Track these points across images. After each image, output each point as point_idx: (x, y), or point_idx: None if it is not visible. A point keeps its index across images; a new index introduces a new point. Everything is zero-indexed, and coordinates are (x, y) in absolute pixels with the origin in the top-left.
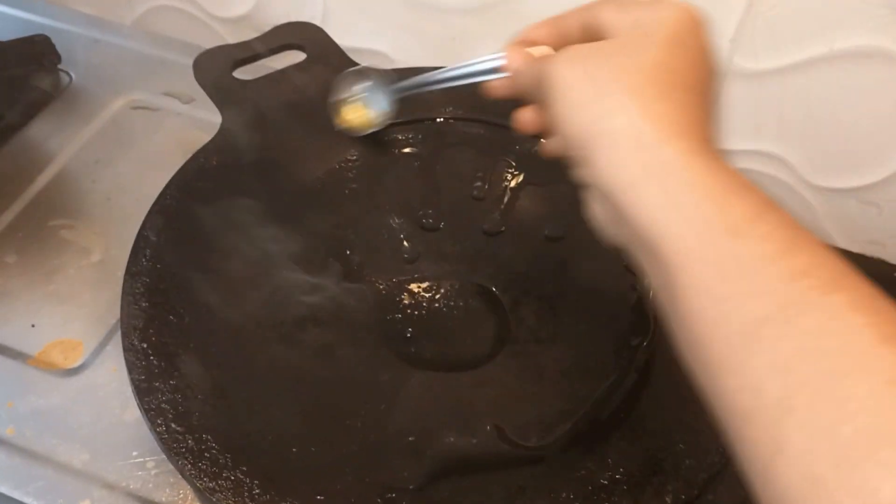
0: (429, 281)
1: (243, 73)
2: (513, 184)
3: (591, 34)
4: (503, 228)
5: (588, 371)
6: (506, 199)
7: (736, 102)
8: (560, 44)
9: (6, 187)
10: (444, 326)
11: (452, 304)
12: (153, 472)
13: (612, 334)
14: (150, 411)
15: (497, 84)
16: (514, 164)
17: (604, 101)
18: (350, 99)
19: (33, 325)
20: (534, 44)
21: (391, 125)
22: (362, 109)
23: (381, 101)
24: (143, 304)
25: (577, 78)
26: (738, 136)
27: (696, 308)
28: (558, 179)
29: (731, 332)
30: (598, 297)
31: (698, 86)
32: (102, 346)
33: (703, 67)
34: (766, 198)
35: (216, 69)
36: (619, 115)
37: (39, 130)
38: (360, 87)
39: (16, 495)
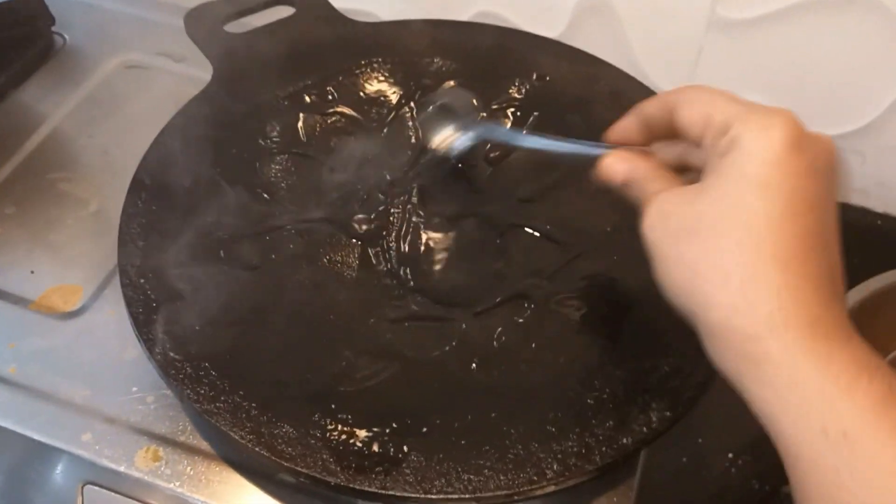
0: (417, 220)
1: (234, 28)
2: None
3: (672, 130)
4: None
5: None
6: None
7: (718, 53)
8: (650, 139)
9: (4, 142)
10: (436, 263)
11: (442, 242)
12: (153, 407)
13: (601, 268)
14: (149, 341)
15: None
16: (506, 113)
17: (708, 293)
18: (437, 134)
19: (33, 272)
20: (629, 142)
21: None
22: (449, 139)
23: (468, 137)
24: (140, 244)
25: (675, 258)
26: (722, 87)
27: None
28: (548, 126)
29: None
30: (587, 235)
31: (818, 246)
32: (101, 290)
33: (820, 212)
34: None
35: (207, 23)
36: (715, 309)
37: (35, 90)
38: (448, 129)
39: (19, 430)
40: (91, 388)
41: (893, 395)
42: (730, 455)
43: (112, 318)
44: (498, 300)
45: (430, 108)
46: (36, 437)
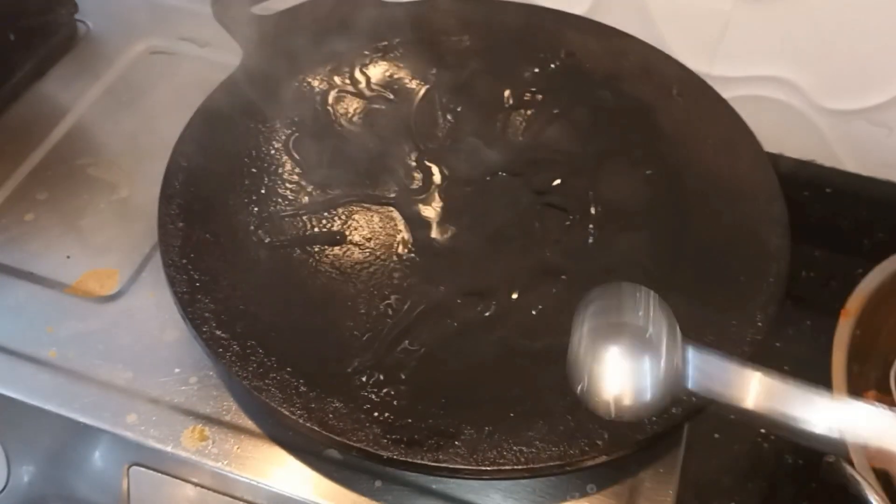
0: (452, 200)
1: (260, 10)
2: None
3: None
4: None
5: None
6: (526, 129)
7: (745, 26)
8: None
9: (32, 130)
10: (473, 238)
11: (479, 219)
12: (196, 387)
13: (638, 242)
14: (196, 320)
15: None
16: (534, 90)
17: None
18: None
19: (68, 257)
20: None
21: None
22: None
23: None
24: (180, 224)
25: None
26: (747, 61)
27: None
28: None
29: None
30: (621, 210)
31: None
32: (137, 273)
33: None
34: None
35: (234, 6)
36: None
37: (60, 77)
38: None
39: (63, 412)
40: (133, 370)
41: None
42: (762, 430)
43: (150, 301)
44: (533, 273)
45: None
46: (81, 419)
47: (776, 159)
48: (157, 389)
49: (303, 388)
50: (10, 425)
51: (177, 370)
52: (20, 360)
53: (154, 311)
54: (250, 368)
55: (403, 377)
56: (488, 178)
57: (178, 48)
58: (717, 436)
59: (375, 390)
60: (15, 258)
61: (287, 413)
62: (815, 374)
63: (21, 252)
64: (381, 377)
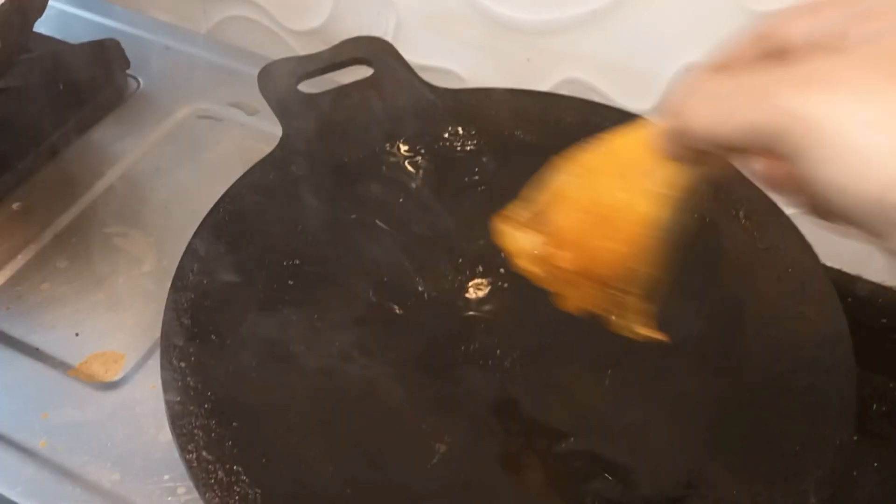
0: (490, 313)
1: (309, 87)
2: None
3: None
4: None
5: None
6: None
7: None
8: None
9: (66, 191)
10: (503, 367)
11: (513, 344)
12: (183, 499)
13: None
14: (182, 436)
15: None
16: None
17: None
18: None
19: (77, 334)
20: None
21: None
22: None
23: None
24: (185, 322)
25: (864, 125)
26: None
27: None
28: None
29: None
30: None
31: None
32: (144, 360)
33: None
34: None
35: (281, 81)
36: None
37: (103, 135)
38: None
39: None
40: (121, 471)
41: None
42: None
43: (152, 394)
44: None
45: None
46: None
47: (853, 282)
48: (143, 497)
49: None
50: None
51: (166, 477)
52: (8, 447)
53: (153, 406)
54: (230, 501)
55: None
56: (534, 288)
57: (226, 114)
58: None
59: None
60: (24, 330)
61: None
62: None
63: (31, 323)
64: None
